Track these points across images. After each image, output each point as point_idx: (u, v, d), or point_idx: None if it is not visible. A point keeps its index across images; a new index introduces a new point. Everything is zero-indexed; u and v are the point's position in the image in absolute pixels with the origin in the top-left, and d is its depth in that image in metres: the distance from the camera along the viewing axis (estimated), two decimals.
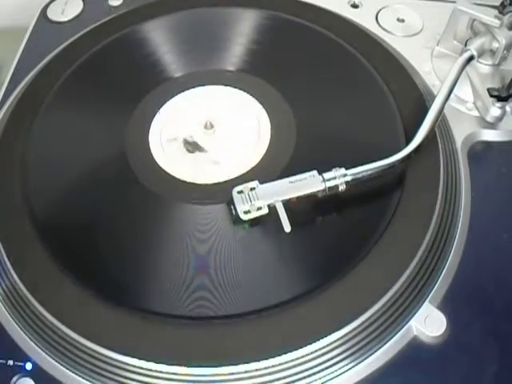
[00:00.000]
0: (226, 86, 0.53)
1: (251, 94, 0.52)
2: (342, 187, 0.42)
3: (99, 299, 0.40)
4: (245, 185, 0.42)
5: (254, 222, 0.42)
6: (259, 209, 0.41)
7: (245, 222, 0.42)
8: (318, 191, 0.42)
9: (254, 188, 0.42)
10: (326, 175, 0.42)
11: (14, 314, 0.42)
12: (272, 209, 0.41)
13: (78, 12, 0.61)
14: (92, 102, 0.52)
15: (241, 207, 0.41)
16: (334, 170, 0.42)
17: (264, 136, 0.49)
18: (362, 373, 0.38)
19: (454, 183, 0.46)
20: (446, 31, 0.54)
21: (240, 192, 0.42)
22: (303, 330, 0.38)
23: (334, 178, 0.42)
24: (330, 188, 0.42)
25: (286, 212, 0.41)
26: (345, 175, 0.42)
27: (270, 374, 0.37)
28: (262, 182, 0.42)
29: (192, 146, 0.48)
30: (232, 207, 0.42)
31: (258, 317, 0.39)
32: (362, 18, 0.58)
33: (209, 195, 0.46)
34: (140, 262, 0.43)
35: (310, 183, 0.42)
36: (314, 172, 0.42)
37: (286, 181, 0.42)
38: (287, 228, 0.40)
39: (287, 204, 0.41)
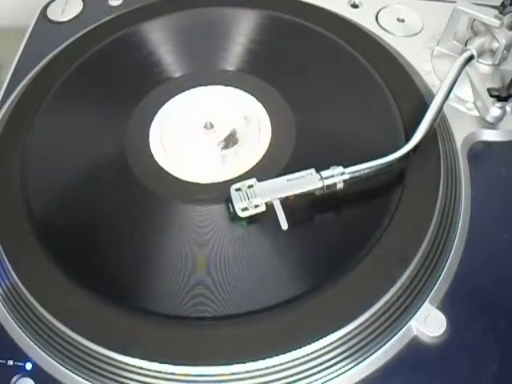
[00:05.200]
0: (226, 86, 0.53)
1: (251, 94, 0.52)
2: (339, 185, 0.42)
3: (99, 299, 0.40)
4: (242, 182, 0.42)
5: (252, 219, 0.42)
6: (257, 206, 0.41)
7: (242, 219, 0.42)
8: (316, 189, 0.42)
9: (251, 185, 0.42)
10: (324, 173, 0.42)
11: (14, 314, 0.42)
12: (270, 206, 0.41)
13: (77, 12, 0.61)
14: (92, 102, 0.52)
15: (238, 204, 0.41)
16: (331, 168, 0.42)
17: (264, 136, 0.49)
18: (362, 373, 0.38)
19: (454, 183, 0.46)
20: (445, 31, 0.54)
21: (238, 189, 0.42)
22: (303, 330, 0.38)
23: (332, 176, 0.42)
24: (327, 186, 0.42)
25: (284, 210, 0.41)
26: (342, 173, 0.42)
27: (270, 374, 0.37)
28: (261, 181, 0.42)
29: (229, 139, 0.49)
30: (230, 204, 0.42)
31: (257, 317, 0.39)
32: (362, 18, 0.58)
33: (209, 195, 0.46)
34: (140, 262, 0.43)
35: (307, 181, 0.42)
36: (312, 170, 0.42)
37: (283, 179, 0.42)
38: (284, 226, 0.40)
39: (285, 202, 0.41)
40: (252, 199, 0.41)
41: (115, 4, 0.61)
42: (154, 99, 0.52)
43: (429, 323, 0.39)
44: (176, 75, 0.54)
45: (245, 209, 0.41)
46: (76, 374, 0.39)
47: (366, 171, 0.43)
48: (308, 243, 0.43)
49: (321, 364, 0.38)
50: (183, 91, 0.53)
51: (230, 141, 0.49)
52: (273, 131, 0.49)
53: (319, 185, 0.42)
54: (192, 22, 0.57)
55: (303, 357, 0.38)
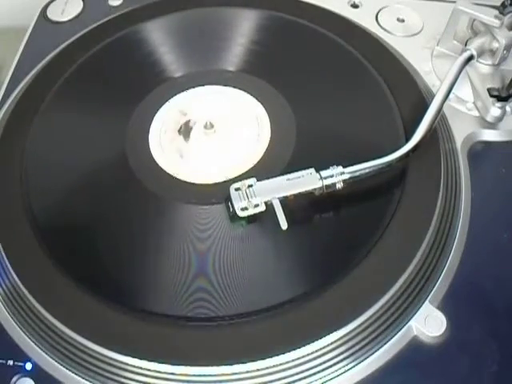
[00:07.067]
0: (226, 86, 0.53)
1: (251, 94, 0.52)
2: (339, 185, 0.42)
3: (99, 299, 0.40)
4: (242, 182, 0.42)
5: (252, 219, 0.42)
6: (256, 206, 0.41)
7: (242, 218, 0.42)
8: (315, 189, 0.42)
9: (251, 185, 0.42)
10: (324, 173, 0.42)
11: (14, 314, 0.42)
12: (269, 206, 0.41)
13: (77, 12, 0.61)
14: (92, 102, 0.52)
15: (238, 204, 0.41)
16: (331, 167, 0.42)
17: (264, 136, 0.49)
18: (362, 373, 0.38)
19: (454, 183, 0.46)
20: (445, 31, 0.54)
21: (237, 189, 0.42)
22: (303, 330, 0.38)
23: (332, 175, 0.42)
24: (327, 186, 0.42)
25: (284, 210, 0.41)
26: (342, 173, 0.42)
27: (270, 374, 0.37)
28: (260, 180, 0.42)
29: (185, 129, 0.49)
30: (229, 204, 0.42)
31: (257, 317, 0.39)
32: (362, 18, 0.58)
33: (209, 195, 0.45)
34: (140, 263, 0.43)
35: (307, 181, 0.42)
36: (312, 170, 0.42)
37: (283, 178, 0.42)
38: (284, 225, 0.40)
39: (284, 201, 0.41)
40: (252, 199, 0.41)
41: (115, 4, 0.61)
42: (154, 99, 0.52)
43: (429, 323, 0.39)
44: (176, 75, 0.54)
45: (244, 208, 0.41)
46: (76, 374, 0.39)
47: (365, 171, 0.43)
48: (308, 243, 0.43)
49: (321, 364, 0.38)
50: (183, 91, 0.53)
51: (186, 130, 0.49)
52: (273, 131, 0.49)
53: (319, 184, 0.42)
54: (192, 21, 0.57)
55: (303, 357, 0.38)
